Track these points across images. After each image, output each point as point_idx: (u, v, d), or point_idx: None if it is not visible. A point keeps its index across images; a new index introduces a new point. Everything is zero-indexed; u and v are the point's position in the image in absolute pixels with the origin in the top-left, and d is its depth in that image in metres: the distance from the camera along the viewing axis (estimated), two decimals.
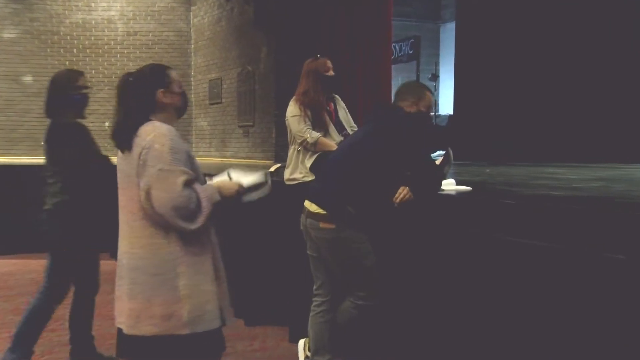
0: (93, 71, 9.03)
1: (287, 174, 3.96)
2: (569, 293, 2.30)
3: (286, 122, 3.95)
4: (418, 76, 11.17)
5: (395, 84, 8.92)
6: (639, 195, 3.43)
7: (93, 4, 9.36)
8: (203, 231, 2.18)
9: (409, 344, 3.20)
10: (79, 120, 3.46)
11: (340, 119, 4.02)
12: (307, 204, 3.08)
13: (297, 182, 3.86)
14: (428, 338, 3.07)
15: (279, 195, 3.28)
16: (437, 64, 13.63)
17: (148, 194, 2.08)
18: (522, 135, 7.72)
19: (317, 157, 3.80)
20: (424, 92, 3.18)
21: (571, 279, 2.29)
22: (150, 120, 2.21)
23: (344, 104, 4.14)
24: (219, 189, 2.23)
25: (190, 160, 2.18)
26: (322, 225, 2.99)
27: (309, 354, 3.28)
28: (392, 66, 8.48)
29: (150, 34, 9.51)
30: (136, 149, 2.14)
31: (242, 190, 2.31)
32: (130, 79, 2.27)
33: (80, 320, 3.61)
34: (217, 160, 8.96)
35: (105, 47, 9.40)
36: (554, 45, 7.65)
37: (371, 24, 7.86)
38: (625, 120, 7.02)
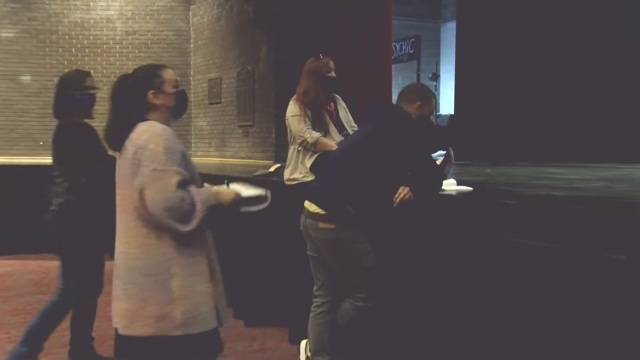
0: (92, 71, 8.90)
1: (287, 174, 3.95)
2: (571, 293, 2.29)
3: (286, 121, 3.94)
4: (419, 76, 11.15)
5: (396, 83, 8.95)
6: None
7: (92, 3, 9.35)
8: (198, 233, 2.16)
9: (410, 344, 3.19)
10: (87, 120, 3.48)
11: (340, 119, 4.01)
12: (307, 204, 3.07)
13: (297, 182, 3.84)
14: (429, 339, 3.06)
15: (279, 195, 3.26)
16: (437, 63, 13.62)
17: (141, 193, 2.07)
18: (523, 135, 7.71)
19: (317, 157, 3.79)
20: (430, 96, 3.18)
21: (572, 279, 2.28)
22: (147, 120, 2.20)
23: (344, 104, 4.12)
24: (216, 194, 2.22)
25: (185, 161, 2.17)
26: (321, 225, 2.98)
27: (309, 354, 3.27)
28: (393, 66, 8.47)
29: (149, 34, 9.49)
30: (131, 149, 2.13)
31: (240, 200, 2.29)
32: (122, 80, 2.28)
33: (81, 321, 3.61)
34: (217, 160, 8.94)
35: (104, 46, 9.39)
36: (555, 45, 7.64)
37: (371, 23, 7.84)
38: (627, 120, 7.02)
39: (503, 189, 3.84)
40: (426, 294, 3.05)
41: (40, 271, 6.25)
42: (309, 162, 3.81)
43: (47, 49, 9.21)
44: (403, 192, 2.95)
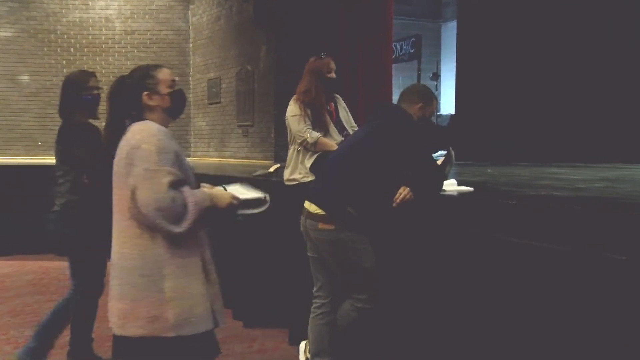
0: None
1: (286, 174, 3.93)
2: (572, 294, 2.28)
3: (286, 121, 3.92)
4: (419, 75, 11.13)
5: (396, 83, 8.93)
6: None
7: (90, 3, 9.33)
8: (191, 233, 2.13)
9: (410, 345, 3.18)
10: (91, 120, 3.48)
11: (340, 119, 3.99)
12: (307, 204, 3.06)
13: (296, 182, 3.83)
14: (429, 339, 3.05)
15: (279, 195, 3.24)
16: (438, 63, 13.61)
17: (134, 193, 2.06)
18: (524, 135, 7.69)
19: (317, 157, 3.77)
20: (432, 98, 3.18)
21: (574, 280, 2.27)
22: (144, 120, 2.19)
23: (344, 104, 4.11)
24: (211, 196, 2.19)
25: (179, 161, 2.14)
26: (321, 226, 2.97)
27: (309, 356, 3.25)
28: (393, 65, 8.45)
29: (149, 33, 9.47)
30: (125, 149, 2.13)
31: (237, 203, 2.26)
32: (119, 82, 2.28)
33: (81, 321, 3.60)
34: (216, 160, 8.92)
35: (103, 46, 9.37)
36: (556, 44, 7.62)
37: (371, 22, 7.83)
38: (629, 120, 7.01)
39: (504, 189, 3.83)
40: (427, 295, 3.04)
41: (39, 272, 6.23)
42: (308, 162, 3.79)
43: (45, 49, 9.18)
44: (403, 192, 2.94)
